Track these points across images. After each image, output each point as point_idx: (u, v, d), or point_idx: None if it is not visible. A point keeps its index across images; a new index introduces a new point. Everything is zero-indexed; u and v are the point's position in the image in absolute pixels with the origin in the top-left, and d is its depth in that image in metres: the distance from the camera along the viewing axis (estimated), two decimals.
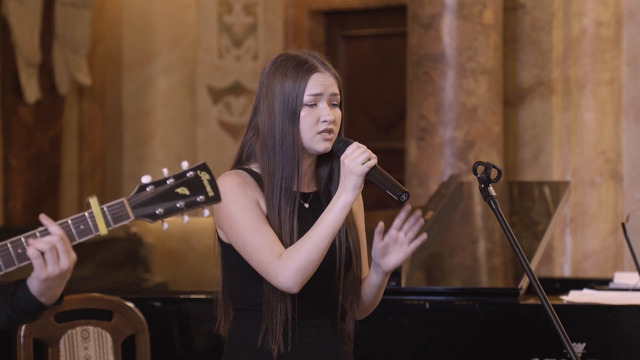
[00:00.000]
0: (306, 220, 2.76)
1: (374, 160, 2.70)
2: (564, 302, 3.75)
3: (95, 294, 3.63)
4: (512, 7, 6.71)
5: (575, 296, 3.85)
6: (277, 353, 2.74)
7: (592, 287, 4.24)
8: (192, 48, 8.63)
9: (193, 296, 4.00)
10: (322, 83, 2.78)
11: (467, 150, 6.28)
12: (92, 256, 4.74)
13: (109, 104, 8.90)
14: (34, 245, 2.32)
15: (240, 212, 2.73)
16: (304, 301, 2.76)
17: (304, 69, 2.79)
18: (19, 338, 3.44)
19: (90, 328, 3.56)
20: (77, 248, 2.40)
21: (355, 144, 2.72)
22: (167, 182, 2.38)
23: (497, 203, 2.74)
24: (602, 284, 4.48)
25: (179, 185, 2.39)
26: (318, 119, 2.77)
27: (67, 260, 2.34)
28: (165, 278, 4.81)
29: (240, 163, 2.86)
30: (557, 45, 6.64)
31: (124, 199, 2.35)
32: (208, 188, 2.40)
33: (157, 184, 2.38)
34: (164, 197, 2.37)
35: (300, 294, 2.73)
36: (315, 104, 2.78)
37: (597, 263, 6.59)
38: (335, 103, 2.81)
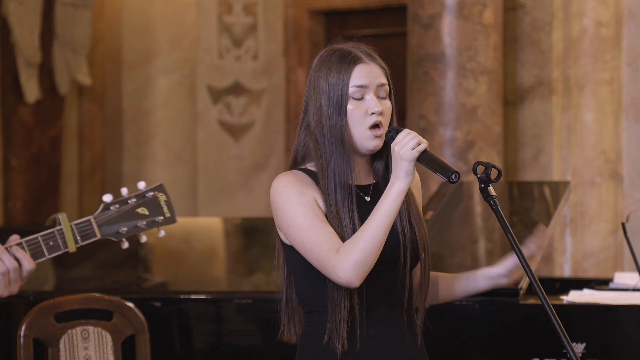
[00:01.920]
0: (367, 212, 2.71)
1: (424, 145, 2.67)
2: (564, 302, 3.75)
3: (95, 294, 3.63)
4: (512, 7, 6.71)
5: (575, 296, 3.85)
6: (341, 351, 2.70)
7: (592, 287, 4.24)
8: (192, 48, 8.63)
9: (193, 296, 4.00)
10: (367, 74, 2.74)
11: (467, 150, 6.28)
12: (92, 256, 4.74)
13: (109, 104, 8.91)
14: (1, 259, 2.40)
15: (296, 210, 2.69)
16: (369, 296, 2.72)
17: (347, 61, 2.74)
18: (19, 338, 3.44)
19: (90, 328, 3.56)
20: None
21: (406, 131, 2.69)
22: (129, 201, 2.50)
23: (497, 203, 2.74)
24: (602, 284, 4.47)
25: (139, 205, 2.50)
26: (366, 111, 2.73)
27: (16, 288, 2.44)
28: (165, 278, 4.81)
29: (296, 164, 2.82)
30: (557, 45, 6.64)
31: (91, 218, 2.44)
32: (165, 209, 2.53)
33: (120, 202, 2.49)
34: (127, 217, 2.49)
35: (365, 289, 2.70)
36: (362, 97, 2.74)
37: (597, 263, 6.59)
38: (384, 94, 2.77)
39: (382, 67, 2.78)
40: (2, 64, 8.06)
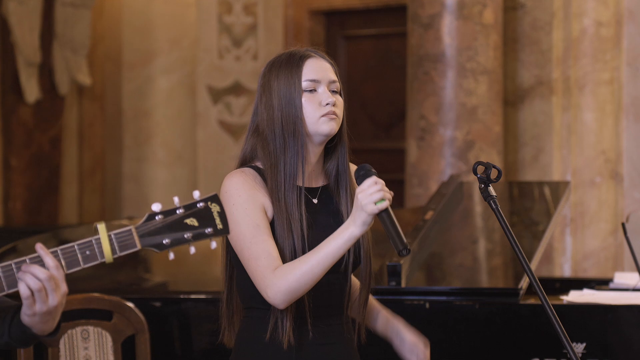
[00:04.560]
0: (315, 215, 2.74)
1: (386, 203, 2.61)
2: (564, 302, 3.75)
3: (95, 294, 3.63)
4: (512, 7, 6.71)
5: (575, 296, 3.85)
6: (287, 345, 2.72)
7: (592, 287, 4.24)
8: (192, 48, 8.63)
9: (193, 296, 4.00)
10: (318, 68, 2.77)
11: (467, 150, 6.28)
12: None
13: (109, 104, 8.91)
14: (25, 281, 2.30)
15: (242, 217, 2.70)
16: (313, 297, 2.73)
17: (297, 58, 2.78)
18: None
19: (90, 328, 3.56)
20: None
21: (373, 179, 2.63)
22: (177, 212, 2.35)
23: (497, 203, 2.74)
24: (602, 284, 4.48)
25: (188, 216, 2.36)
26: (319, 103, 2.74)
27: (55, 298, 2.32)
28: (165, 278, 4.81)
29: (244, 163, 2.82)
30: (557, 45, 6.64)
31: (132, 227, 2.33)
32: (217, 220, 2.37)
33: (166, 213, 2.35)
34: (172, 228, 2.35)
35: (310, 290, 2.71)
36: (315, 90, 2.75)
37: (597, 263, 6.59)
38: (335, 90, 2.78)
39: (331, 63, 2.81)
40: (2, 64, 8.06)
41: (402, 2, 6.98)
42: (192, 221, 2.35)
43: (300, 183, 2.75)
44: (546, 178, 6.57)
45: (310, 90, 2.75)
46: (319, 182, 2.83)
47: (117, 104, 8.82)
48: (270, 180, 2.73)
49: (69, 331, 3.53)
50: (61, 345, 3.52)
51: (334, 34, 8.57)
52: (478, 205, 4.82)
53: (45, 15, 8.23)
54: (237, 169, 2.81)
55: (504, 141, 6.55)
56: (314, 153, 2.79)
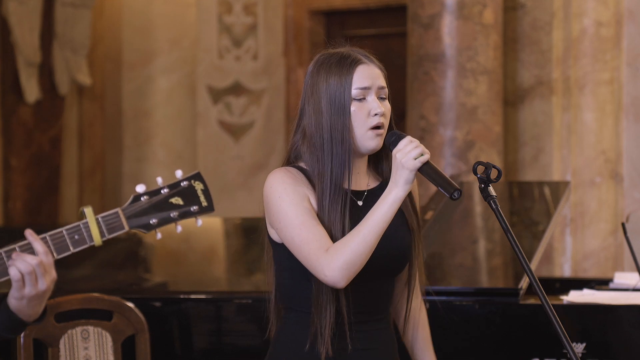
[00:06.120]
0: (359, 217, 2.70)
1: (427, 156, 2.64)
2: (564, 302, 3.75)
3: (95, 294, 3.63)
4: (512, 7, 6.71)
5: (575, 296, 3.85)
6: (325, 357, 2.69)
7: (592, 287, 4.24)
8: (192, 48, 8.63)
9: (193, 296, 4.00)
10: (368, 75, 2.75)
11: (467, 150, 6.28)
12: (92, 256, 4.74)
13: (109, 104, 8.91)
14: (15, 265, 2.32)
15: (289, 207, 2.68)
16: (356, 303, 2.72)
17: (348, 63, 2.75)
18: (19, 338, 3.44)
19: (90, 328, 3.56)
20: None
21: (408, 138, 2.66)
22: (162, 192, 2.39)
23: (497, 203, 2.74)
24: (602, 284, 4.48)
25: (173, 195, 2.39)
26: (368, 112, 2.72)
27: (44, 282, 2.35)
28: (165, 278, 4.81)
29: (288, 163, 2.81)
30: (557, 45, 6.65)
31: (118, 210, 2.36)
32: (202, 198, 2.41)
33: (151, 193, 2.38)
34: (158, 208, 2.38)
35: (352, 295, 2.70)
36: (364, 98, 2.73)
37: (597, 263, 6.59)
38: (384, 96, 2.77)
39: (380, 69, 2.79)
40: (2, 64, 8.06)
41: (402, 2, 6.98)
42: (177, 200, 2.39)
43: (346, 186, 2.73)
44: (546, 178, 6.57)
45: (360, 99, 2.73)
46: (364, 185, 2.81)
47: (117, 104, 8.82)
48: (318, 186, 2.72)
49: (69, 331, 3.53)
50: (61, 345, 3.52)
51: (334, 34, 8.56)
52: (478, 205, 4.82)
53: (45, 15, 8.23)
54: (282, 165, 2.81)
55: (504, 141, 6.55)
56: (360, 158, 2.78)
